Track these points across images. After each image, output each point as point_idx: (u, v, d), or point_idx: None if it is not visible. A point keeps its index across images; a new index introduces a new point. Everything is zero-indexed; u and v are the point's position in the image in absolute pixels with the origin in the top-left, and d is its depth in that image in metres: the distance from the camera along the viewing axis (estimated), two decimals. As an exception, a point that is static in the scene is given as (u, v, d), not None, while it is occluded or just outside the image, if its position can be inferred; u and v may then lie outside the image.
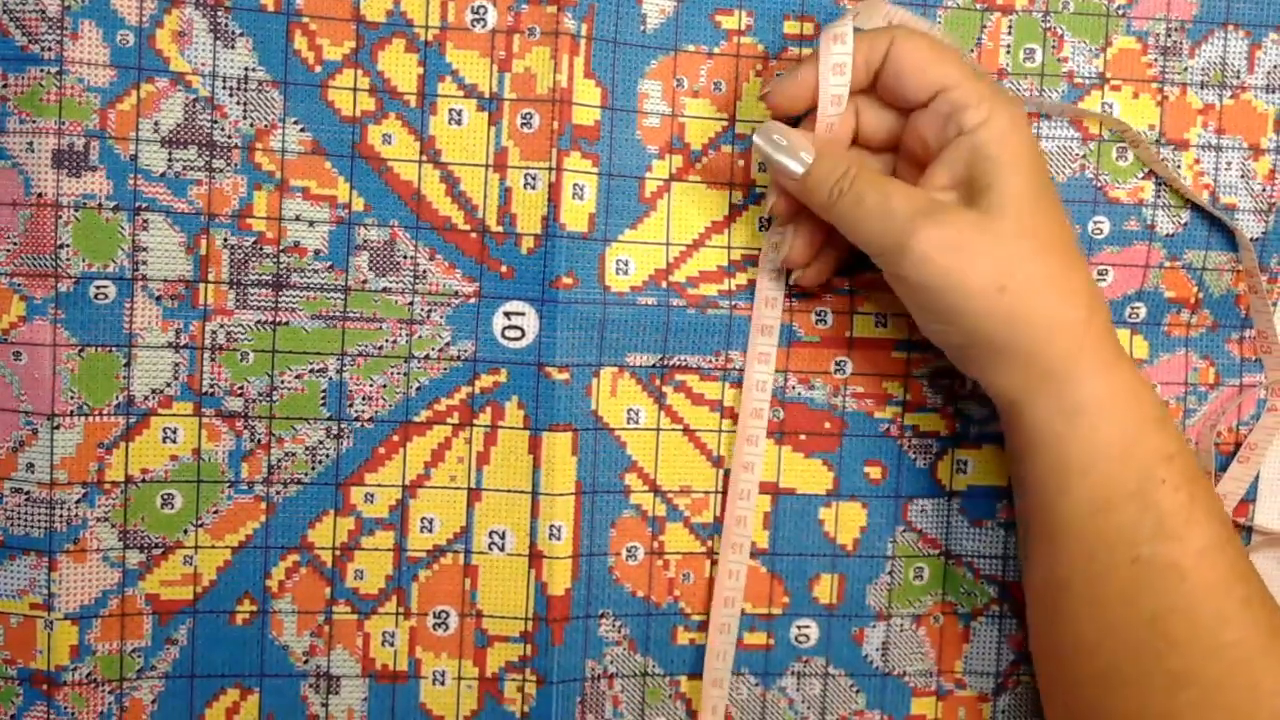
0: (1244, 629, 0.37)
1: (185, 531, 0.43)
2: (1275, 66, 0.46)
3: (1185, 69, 0.46)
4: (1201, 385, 0.47)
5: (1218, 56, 0.46)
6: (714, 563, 0.45)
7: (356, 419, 0.43)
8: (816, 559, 0.45)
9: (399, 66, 0.43)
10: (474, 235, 0.43)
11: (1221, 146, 0.46)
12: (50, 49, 0.40)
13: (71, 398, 0.41)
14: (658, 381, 0.44)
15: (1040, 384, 0.38)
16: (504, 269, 0.43)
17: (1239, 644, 0.37)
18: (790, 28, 0.44)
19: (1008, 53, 0.45)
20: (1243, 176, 0.46)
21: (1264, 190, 0.46)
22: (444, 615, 0.44)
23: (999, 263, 0.37)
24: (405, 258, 0.43)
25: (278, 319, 0.43)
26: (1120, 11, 0.45)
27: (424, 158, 0.43)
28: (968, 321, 0.38)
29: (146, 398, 0.42)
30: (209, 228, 0.42)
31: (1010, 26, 0.45)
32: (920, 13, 0.44)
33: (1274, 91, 0.46)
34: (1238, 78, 0.46)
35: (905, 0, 0.44)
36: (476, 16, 0.43)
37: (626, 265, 0.44)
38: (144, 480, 0.42)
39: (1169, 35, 0.45)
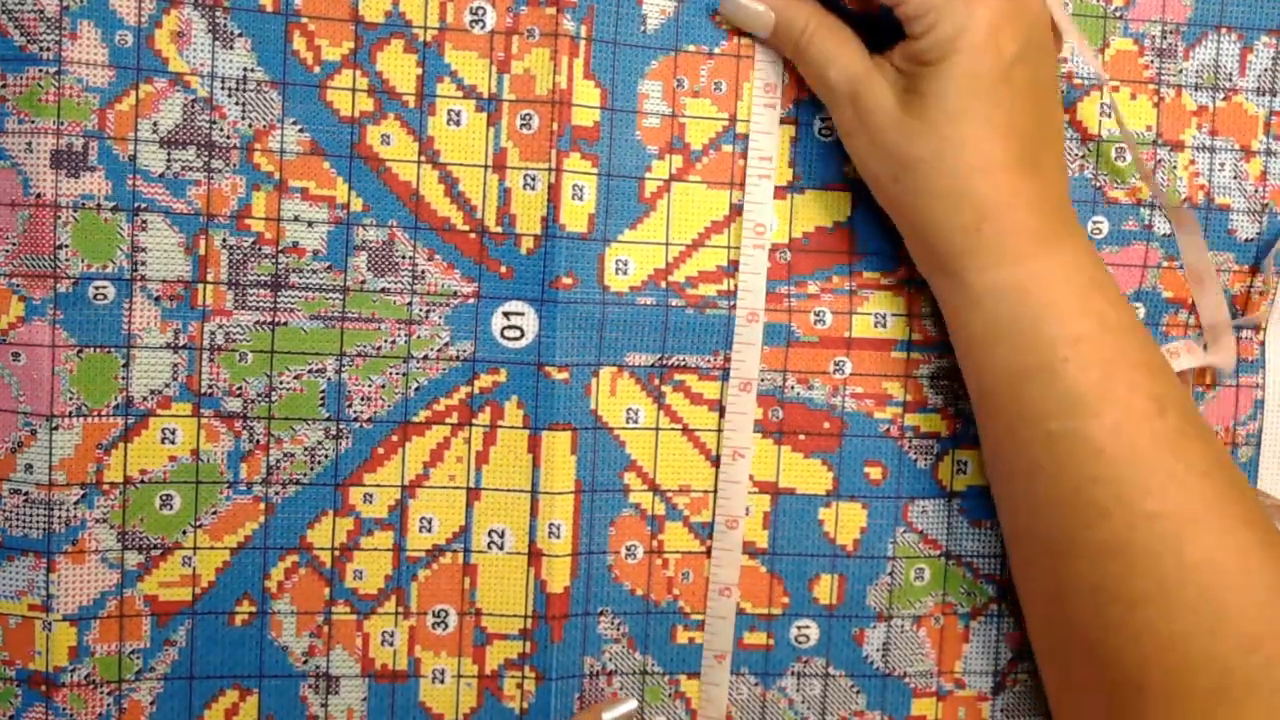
0: (1169, 500, 0.37)
1: (184, 532, 0.43)
2: (1266, 69, 0.46)
3: (1180, 71, 0.46)
4: (1198, 385, 0.47)
5: (1210, 59, 0.46)
6: (711, 561, 0.45)
7: (355, 419, 0.43)
8: (816, 559, 0.45)
9: (398, 67, 0.43)
10: (473, 236, 0.43)
11: (1215, 148, 0.46)
12: (49, 49, 0.40)
13: (70, 398, 0.41)
14: (657, 381, 0.44)
15: (936, 273, 0.41)
16: (503, 269, 0.43)
17: (1166, 514, 0.37)
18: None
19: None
20: (1235, 178, 0.46)
21: (1256, 191, 0.46)
22: (443, 614, 0.44)
23: (897, 159, 0.40)
24: (404, 258, 0.43)
25: (276, 319, 0.43)
26: (1118, 14, 0.45)
27: (423, 158, 0.43)
28: (876, 197, 0.42)
29: (145, 398, 0.42)
30: (208, 228, 0.42)
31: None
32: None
33: (1265, 94, 0.46)
34: (1230, 80, 0.46)
35: None
36: (475, 17, 0.43)
37: (626, 265, 0.44)
38: (143, 481, 0.42)
39: (1164, 37, 0.46)
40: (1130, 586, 0.37)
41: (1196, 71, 0.46)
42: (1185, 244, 0.46)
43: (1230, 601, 0.37)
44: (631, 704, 0.44)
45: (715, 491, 0.45)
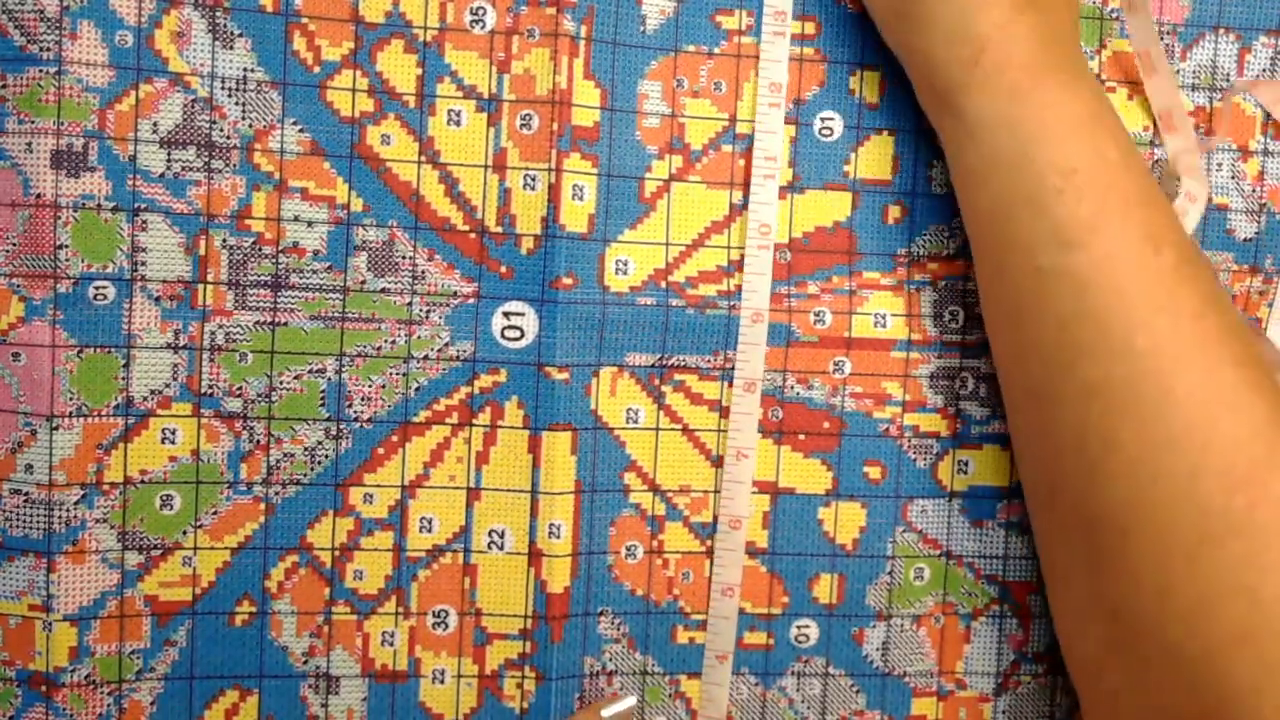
0: (1157, 337, 0.37)
1: (184, 532, 0.43)
2: (1264, 69, 0.46)
3: (1177, 71, 0.46)
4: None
5: (1208, 59, 0.46)
6: (714, 562, 0.45)
7: (355, 419, 0.43)
8: (816, 559, 0.45)
9: (398, 67, 0.43)
10: (473, 236, 0.43)
11: (1212, 148, 0.46)
12: (49, 49, 0.40)
13: (70, 399, 0.41)
14: (657, 381, 0.44)
15: (938, 110, 0.41)
16: (503, 269, 0.43)
17: (1151, 352, 0.37)
18: (792, 28, 0.44)
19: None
20: (1233, 178, 0.46)
21: (1254, 191, 0.46)
22: (443, 614, 0.44)
23: None
24: (404, 258, 0.43)
25: (276, 320, 0.43)
26: (1115, 14, 0.45)
27: (423, 158, 0.43)
28: (884, 38, 0.42)
29: (145, 399, 0.42)
30: (208, 228, 0.42)
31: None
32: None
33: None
34: (1227, 80, 0.46)
35: None
36: (475, 17, 0.43)
37: (626, 265, 0.44)
38: (143, 481, 0.42)
39: (1161, 38, 0.46)
40: (1111, 426, 0.37)
41: (1194, 72, 0.46)
42: (1134, 25, 0.45)
43: (1214, 441, 0.36)
44: (631, 700, 0.44)
45: (716, 492, 0.45)
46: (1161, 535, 0.36)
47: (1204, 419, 0.36)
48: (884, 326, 0.45)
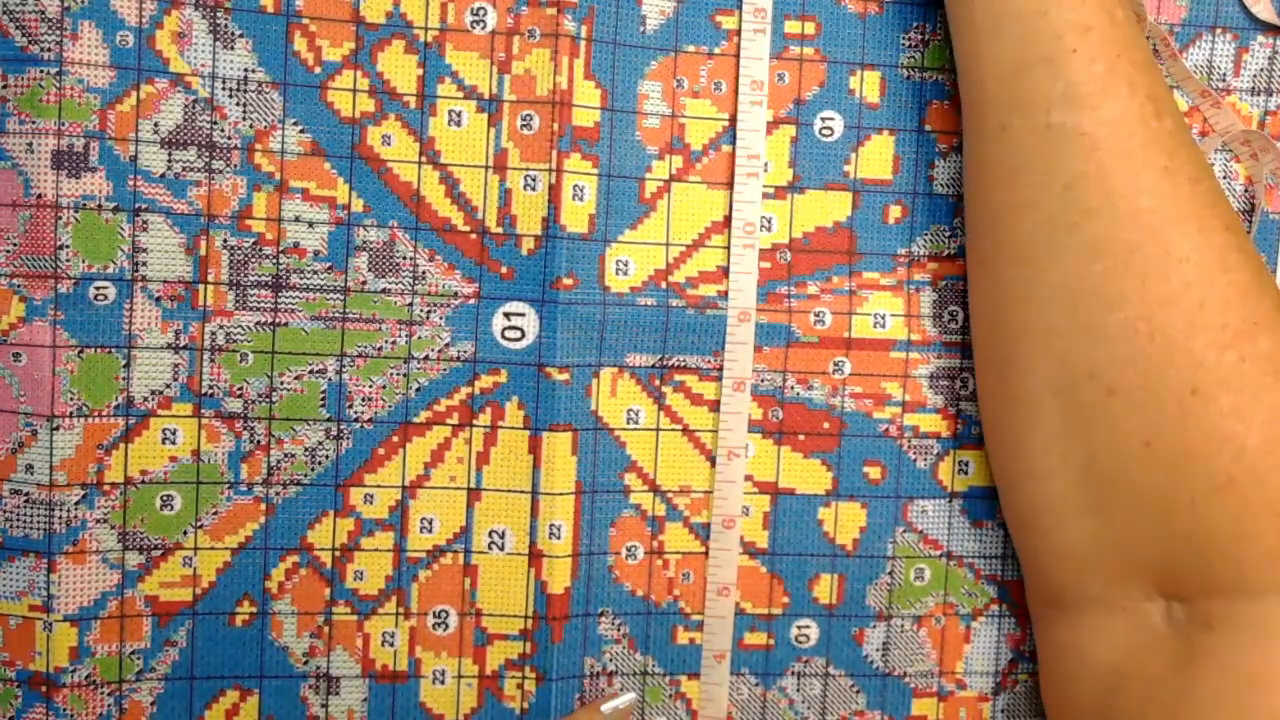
0: (1160, 198, 0.38)
1: (185, 533, 0.43)
2: (1261, 69, 0.46)
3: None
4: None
5: (1205, 59, 0.46)
6: (709, 561, 0.45)
7: (356, 420, 0.43)
8: (816, 559, 0.45)
9: (398, 68, 0.43)
10: (474, 236, 0.43)
11: (1207, 148, 0.46)
12: (50, 49, 0.40)
13: (71, 399, 0.41)
14: (657, 382, 0.45)
15: None
16: (504, 270, 0.43)
17: (1153, 211, 0.38)
18: (791, 28, 0.44)
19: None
20: (1224, 177, 0.46)
21: (1245, 192, 0.46)
22: (444, 615, 0.44)
23: None
24: (405, 259, 0.43)
25: (277, 320, 0.43)
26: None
27: (423, 159, 0.43)
28: None
29: (146, 399, 0.42)
30: (209, 229, 0.42)
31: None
32: (921, 15, 0.44)
33: (1259, 94, 0.46)
34: (1224, 80, 0.46)
35: None
36: (476, 18, 0.43)
37: (626, 266, 0.44)
38: (143, 481, 0.42)
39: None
40: (1111, 286, 0.38)
41: (1191, 71, 0.46)
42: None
43: (1209, 297, 0.37)
44: (631, 696, 0.44)
45: (714, 492, 0.45)
46: (1154, 389, 0.38)
47: (1200, 278, 0.38)
48: (884, 327, 0.45)
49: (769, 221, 0.45)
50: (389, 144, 0.43)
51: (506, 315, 0.43)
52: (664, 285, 0.44)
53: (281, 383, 0.43)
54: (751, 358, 0.44)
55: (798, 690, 0.46)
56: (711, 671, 0.45)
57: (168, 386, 0.42)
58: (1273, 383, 0.37)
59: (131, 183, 0.41)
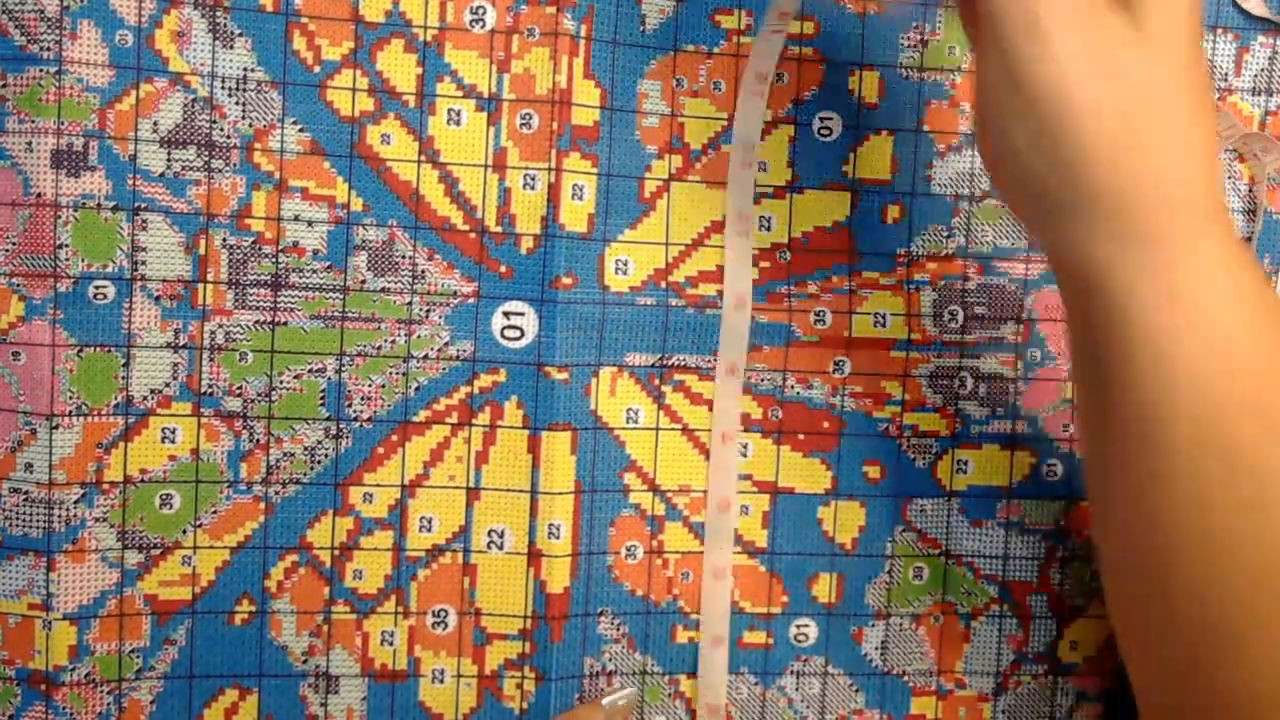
0: None
1: (184, 532, 0.43)
2: (1263, 69, 0.46)
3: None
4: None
5: (1205, 59, 0.46)
6: (705, 544, 0.45)
7: (355, 419, 0.43)
8: (815, 558, 0.45)
9: (398, 67, 0.43)
10: (473, 235, 0.43)
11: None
12: (49, 49, 0.40)
13: (70, 398, 0.41)
14: (656, 381, 0.44)
15: (1138, 250, 0.31)
16: (503, 269, 0.43)
17: None
18: (790, 27, 0.44)
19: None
20: (1229, 178, 0.46)
21: (1249, 192, 0.46)
22: (443, 614, 0.44)
23: (1134, 85, 0.31)
24: (404, 258, 0.43)
25: (276, 319, 0.43)
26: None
27: (423, 158, 0.43)
28: (1065, 151, 0.31)
29: (145, 398, 0.42)
30: (208, 228, 0.42)
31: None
32: (920, 15, 0.44)
33: (1260, 94, 0.46)
34: (1225, 80, 0.46)
35: None
36: (475, 17, 0.43)
37: (626, 265, 0.44)
38: (143, 480, 0.42)
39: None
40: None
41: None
42: None
43: None
44: (631, 690, 0.44)
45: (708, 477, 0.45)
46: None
47: None
48: (884, 326, 0.45)
49: (768, 221, 0.45)
50: (388, 143, 0.43)
51: (506, 314, 0.43)
52: (663, 285, 0.44)
53: (281, 382, 0.43)
54: (745, 342, 0.44)
55: (797, 689, 0.46)
56: (707, 658, 0.45)
57: (167, 385, 0.42)
58: None
59: (131, 182, 0.41)
